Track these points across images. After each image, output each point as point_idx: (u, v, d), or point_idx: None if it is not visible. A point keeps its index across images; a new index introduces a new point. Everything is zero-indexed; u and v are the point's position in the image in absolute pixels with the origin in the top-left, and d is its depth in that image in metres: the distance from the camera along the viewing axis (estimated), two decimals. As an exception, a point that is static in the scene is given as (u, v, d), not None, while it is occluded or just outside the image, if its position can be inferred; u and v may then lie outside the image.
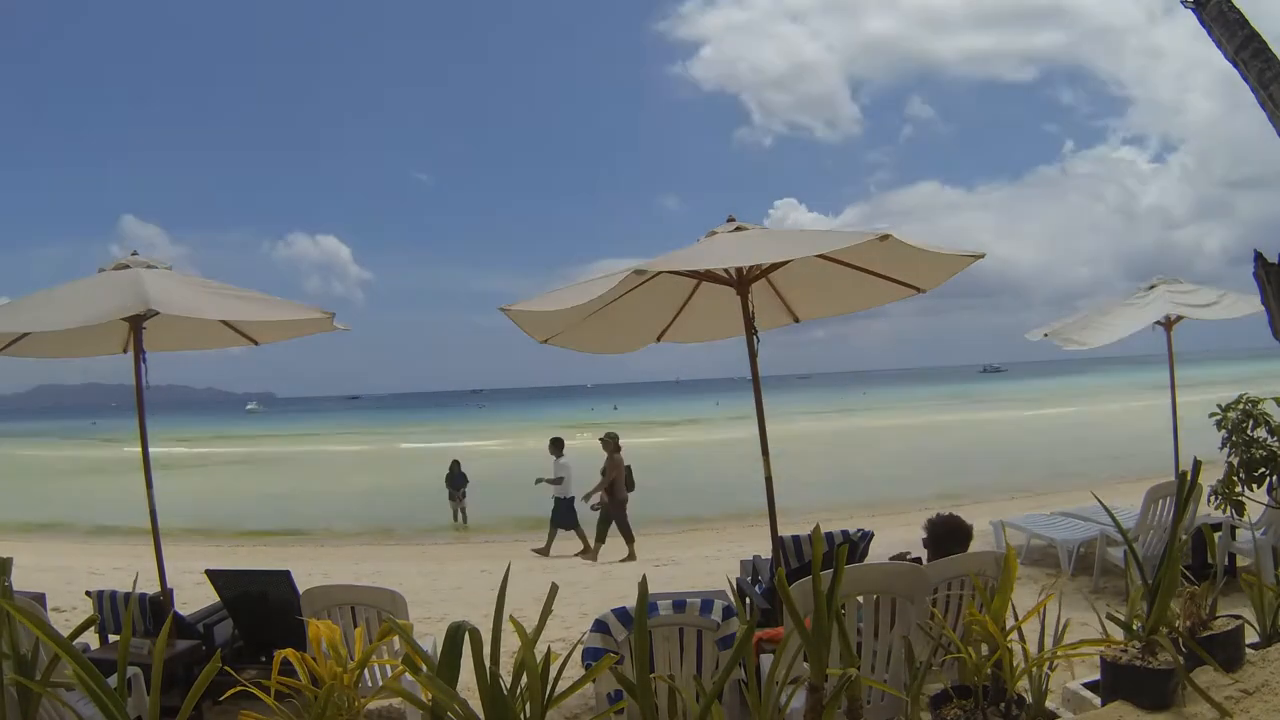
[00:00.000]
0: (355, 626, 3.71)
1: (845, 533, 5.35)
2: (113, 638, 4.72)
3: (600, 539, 10.42)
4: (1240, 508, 5.11)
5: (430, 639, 3.99)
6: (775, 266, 4.55)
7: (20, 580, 3.80)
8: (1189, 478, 3.09)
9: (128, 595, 4.46)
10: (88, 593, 4.93)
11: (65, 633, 2.33)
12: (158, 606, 4.61)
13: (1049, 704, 2.78)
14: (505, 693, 2.14)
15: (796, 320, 5.67)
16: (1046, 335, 7.73)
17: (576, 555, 10.41)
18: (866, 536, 5.14)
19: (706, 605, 3.31)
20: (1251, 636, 3.10)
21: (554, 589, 2.45)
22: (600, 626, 3.25)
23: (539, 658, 2.17)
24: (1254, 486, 4.96)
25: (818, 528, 2.82)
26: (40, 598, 4.94)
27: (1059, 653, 2.78)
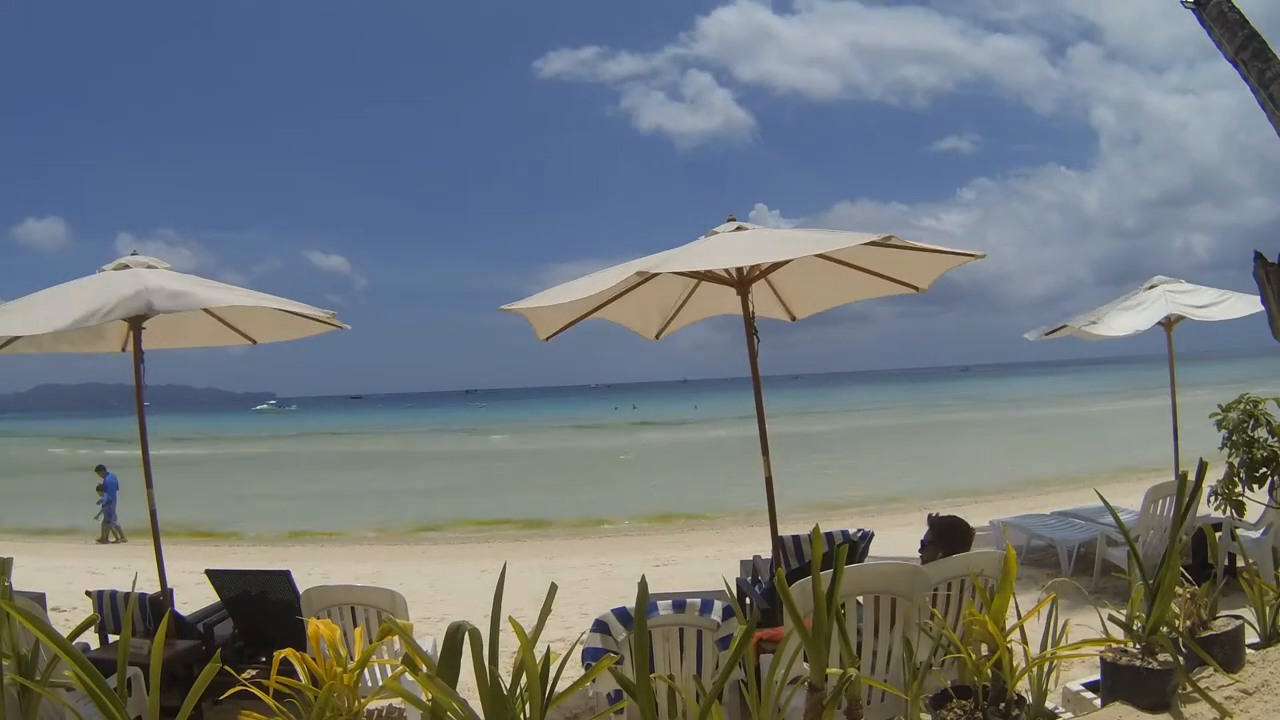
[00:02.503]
0: (355, 626, 3.71)
1: (845, 533, 5.35)
2: (113, 638, 4.72)
3: None
4: (1240, 507, 5.12)
5: (430, 639, 3.99)
6: (775, 266, 4.55)
7: (20, 580, 3.81)
8: (1190, 478, 3.09)
9: (127, 595, 4.46)
10: (88, 593, 4.93)
11: (65, 633, 2.33)
12: (158, 606, 4.61)
13: (1049, 704, 2.78)
14: (505, 693, 2.14)
15: (793, 319, 5.67)
16: (1049, 335, 7.74)
17: None
18: (866, 536, 5.14)
19: (706, 605, 3.31)
20: (1251, 636, 3.10)
21: (553, 589, 2.45)
22: (600, 626, 3.25)
23: (539, 658, 2.17)
24: (1255, 486, 4.97)
25: (817, 528, 2.82)
26: (40, 598, 4.94)
27: (1059, 653, 2.78)
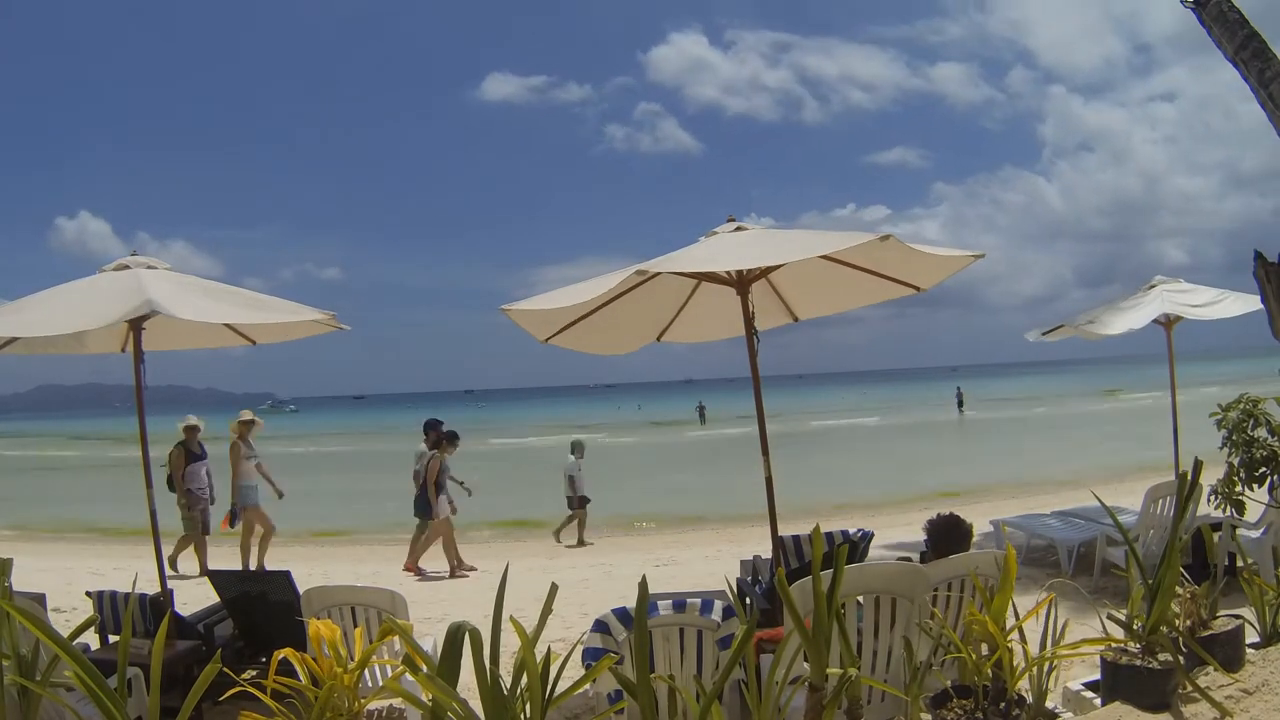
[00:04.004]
0: (355, 627, 3.71)
1: (845, 533, 5.35)
2: (113, 638, 4.72)
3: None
4: (1240, 507, 5.11)
5: (430, 639, 3.99)
6: (775, 266, 4.55)
7: (20, 580, 3.80)
8: (1189, 477, 3.09)
9: (127, 595, 4.46)
10: (88, 593, 4.93)
11: (65, 633, 2.33)
12: (158, 607, 4.61)
13: (1049, 704, 2.78)
14: (505, 693, 2.14)
15: (796, 320, 5.67)
16: (1047, 335, 7.75)
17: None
18: (866, 536, 5.14)
19: (706, 605, 3.31)
20: (1251, 636, 3.10)
21: (554, 589, 2.45)
22: (600, 626, 3.24)
23: (539, 658, 2.17)
24: (1254, 486, 4.97)
25: (817, 528, 2.82)
26: (40, 598, 4.94)
27: (1059, 653, 2.78)
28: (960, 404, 40.42)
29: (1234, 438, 5.06)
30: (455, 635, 2.07)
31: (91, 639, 4.78)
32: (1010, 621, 2.81)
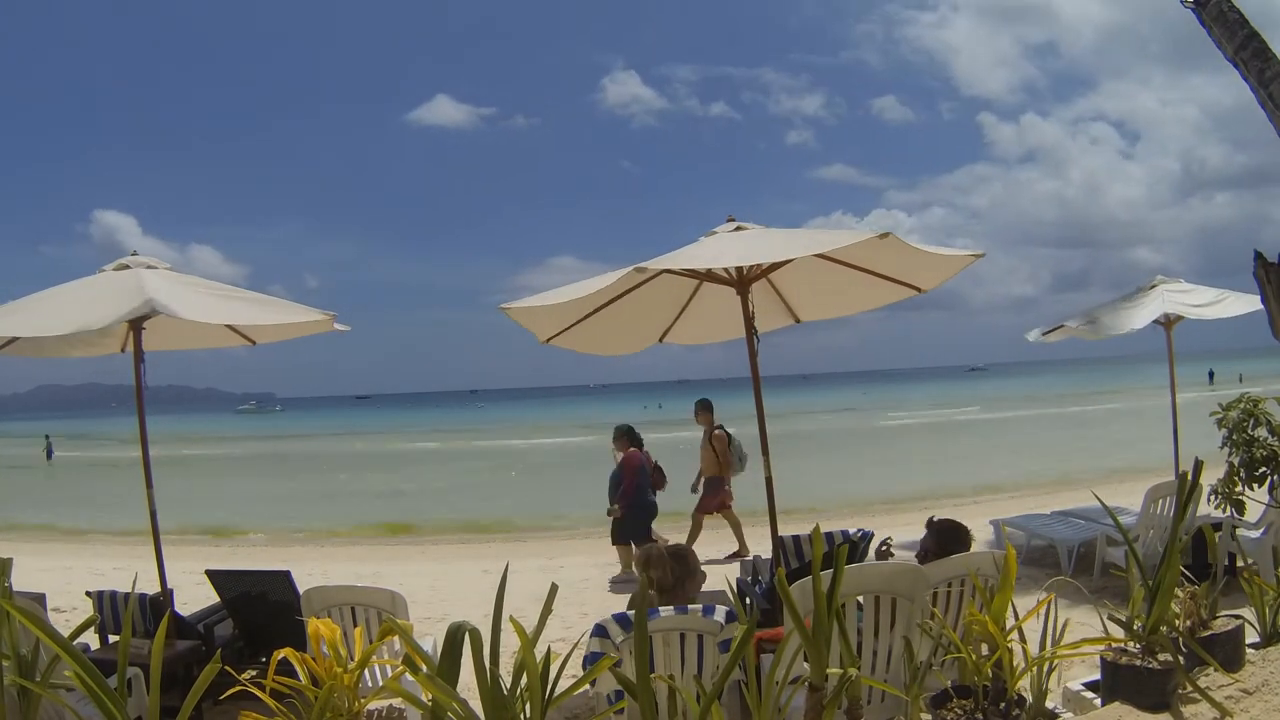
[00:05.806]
0: (355, 627, 3.71)
1: (845, 533, 5.35)
2: (113, 638, 4.72)
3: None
4: (1240, 507, 5.11)
5: (430, 639, 3.99)
6: (776, 266, 4.55)
7: (20, 580, 3.80)
8: (1190, 477, 3.09)
9: (127, 595, 4.46)
10: (88, 593, 4.93)
11: (65, 633, 2.33)
12: (158, 607, 4.62)
13: (1049, 703, 2.78)
14: (505, 693, 2.14)
15: (798, 321, 5.68)
16: (1047, 335, 7.75)
17: None
18: (866, 536, 5.14)
19: (709, 608, 3.30)
20: (1252, 636, 3.10)
21: (554, 589, 2.45)
22: (600, 631, 3.23)
23: (539, 658, 2.17)
24: (1255, 486, 4.97)
25: (817, 528, 2.82)
26: (40, 598, 4.95)
27: (1059, 653, 2.78)
28: (49, 454, 36.45)
29: (1234, 437, 5.06)
30: (455, 635, 2.07)
31: (91, 639, 4.78)
32: (1010, 621, 2.80)
